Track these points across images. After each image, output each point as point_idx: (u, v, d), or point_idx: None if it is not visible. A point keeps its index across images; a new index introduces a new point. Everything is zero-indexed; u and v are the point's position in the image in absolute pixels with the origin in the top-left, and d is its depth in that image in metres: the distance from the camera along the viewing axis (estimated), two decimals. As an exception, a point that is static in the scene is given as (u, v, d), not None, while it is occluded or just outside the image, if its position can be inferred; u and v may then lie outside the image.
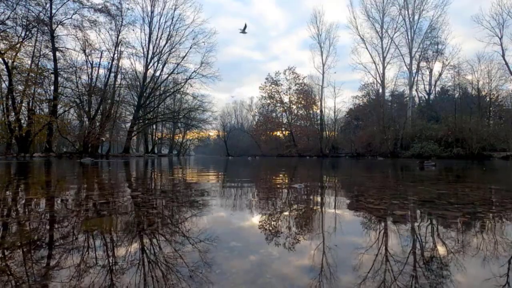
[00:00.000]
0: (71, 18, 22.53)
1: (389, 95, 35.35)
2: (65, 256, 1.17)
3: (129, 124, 30.96)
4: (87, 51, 24.25)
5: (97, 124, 25.24)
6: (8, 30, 19.56)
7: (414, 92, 33.65)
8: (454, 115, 24.42)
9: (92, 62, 25.19)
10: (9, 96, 19.93)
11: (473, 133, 22.08)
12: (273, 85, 42.22)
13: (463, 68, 29.76)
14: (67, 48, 23.24)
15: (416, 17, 31.05)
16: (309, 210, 2.22)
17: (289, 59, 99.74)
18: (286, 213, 2.09)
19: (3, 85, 20.43)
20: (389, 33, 32.37)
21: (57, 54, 22.39)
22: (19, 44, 19.72)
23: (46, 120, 21.91)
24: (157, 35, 30.45)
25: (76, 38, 23.33)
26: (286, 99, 42.10)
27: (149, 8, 30.14)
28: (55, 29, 21.92)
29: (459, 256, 1.21)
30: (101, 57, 25.71)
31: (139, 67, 33.25)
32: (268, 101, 43.21)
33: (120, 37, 26.14)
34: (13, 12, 19.35)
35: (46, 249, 1.26)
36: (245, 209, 2.23)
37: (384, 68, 32.80)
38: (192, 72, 32.13)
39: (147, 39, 30.45)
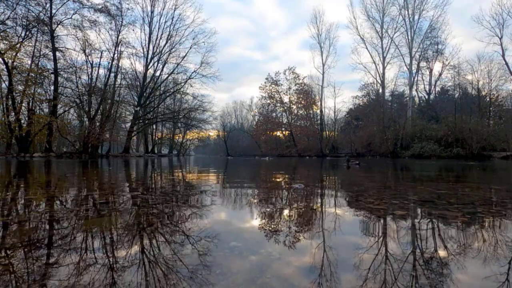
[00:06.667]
0: (71, 18, 22.49)
1: (389, 95, 35.36)
2: (65, 256, 1.17)
3: (129, 124, 30.94)
4: (87, 51, 24.19)
5: (97, 124, 25.21)
6: (8, 30, 19.52)
7: (414, 92, 33.68)
8: (454, 115, 24.42)
9: (92, 62, 25.14)
10: (9, 96, 19.91)
11: (473, 133, 22.08)
12: (273, 85, 42.18)
13: (463, 68, 29.84)
14: (67, 48, 23.19)
15: (416, 17, 31.07)
16: (309, 210, 2.21)
17: (289, 59, 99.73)
18: (286, 213, 2.09)
19: (3, 85, 20.40)
20: (389, 33, 32.39)
21: (57, 54, 22.34)
22: (19, 44, 19.69)
23: (46, 120, 21.88)
24: (157, 35, 30.45)
25: (76, 38, 23.28)
26: (286, 99, 42.08)
27: (149, 8, 30.12)
28: (55, 29, 21.88)
29: (459, 256, 1.21)
30: (101, 57, 25.67)
31: (139, 67, 33.30)
32: (268, 101, 43.18)
33: (120, 37, 26.09)
34: (13, 12, 19.32)
35: (45, 249, 1.26)
36: (245, 209, 2.23)
37: (384, 68, 32.82)
38: (192, 72, 32.11)
39: (147, 39, 30.45)
